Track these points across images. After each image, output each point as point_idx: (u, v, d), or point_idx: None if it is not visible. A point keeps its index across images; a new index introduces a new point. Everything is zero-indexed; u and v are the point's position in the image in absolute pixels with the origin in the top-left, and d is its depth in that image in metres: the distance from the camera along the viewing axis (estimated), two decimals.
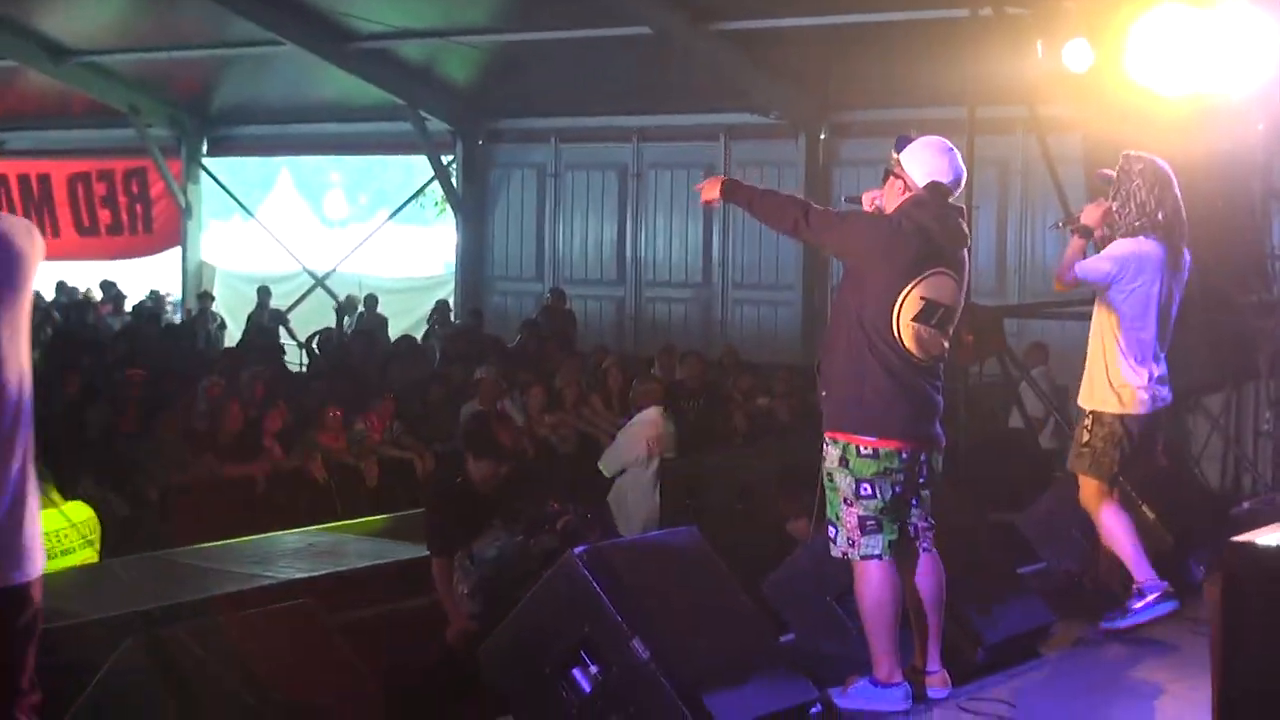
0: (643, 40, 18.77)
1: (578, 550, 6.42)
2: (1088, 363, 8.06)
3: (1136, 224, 7.84)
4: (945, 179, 6.73)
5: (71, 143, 26.75)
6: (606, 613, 6.21)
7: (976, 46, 12.55)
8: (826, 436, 6.76)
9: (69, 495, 9.55)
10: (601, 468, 12.56)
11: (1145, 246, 7.82)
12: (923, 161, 6.74)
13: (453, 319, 22.15)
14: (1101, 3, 10.81)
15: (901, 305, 6.63)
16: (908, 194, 6.73)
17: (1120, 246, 7.90)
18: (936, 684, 6.98)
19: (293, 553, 8.86)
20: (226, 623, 5.42)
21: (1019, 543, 9.47)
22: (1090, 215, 8.08)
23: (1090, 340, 8.06)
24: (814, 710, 6.61)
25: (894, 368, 6.64)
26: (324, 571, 8.28)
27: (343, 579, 8.22)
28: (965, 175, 6.90)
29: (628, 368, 16.27)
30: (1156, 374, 7.95)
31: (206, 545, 9.06)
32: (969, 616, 7.37)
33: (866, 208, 6.91)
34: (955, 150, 6.85)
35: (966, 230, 6.85)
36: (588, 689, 6.26)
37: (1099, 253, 8.01)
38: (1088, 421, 8.05)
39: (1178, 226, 7.92)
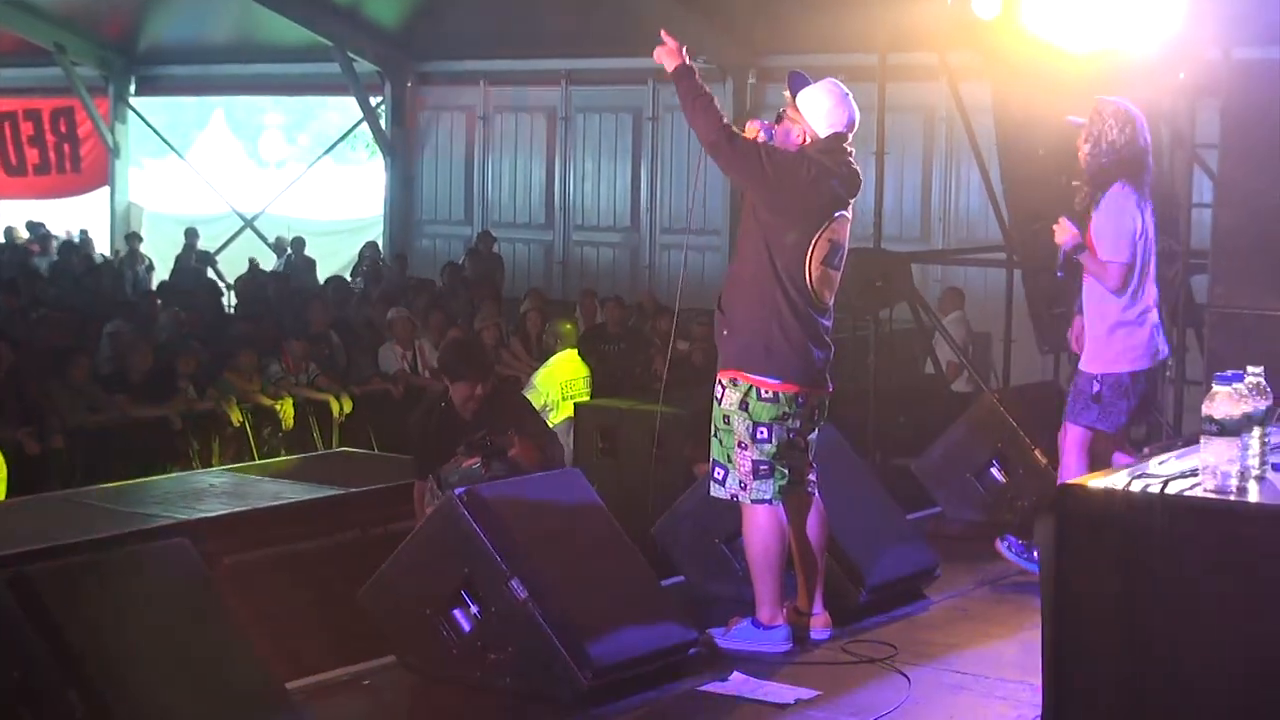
0: None
1: (458, 491, 6.49)
2: (1088, 324, 7.99)
3: (1104, 162, 7.77)
4: (844, 128, 6.79)
5: None
6: (486, 553, 6.30)
7: None
8: (726, 377, 6.79)
9: None
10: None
11: (1125, 202, 7.71)
12: (825, 112, 6.76)
13: (381, 262, 22.11)
14: None
15: (814, 248, 6.72)
16: (806, 140, 6.76)
17: (1111, 215, 7.73)
18: (819, 625, 7.10)
19: (192, 493, 8.86)
20: (96, 561, 5.45)
21: (913, 488, 9.60)
22: (1064, 235, 7.95)
23: (1087, 301, 7.90)
24: (692, 651, 6.70)
25: (800, 311, 6.71)
26: (219, 512, 8.29)
27: (238, 519, 8.23)
28: (858, 120, 6.89)
29: (548, 311, 16.29)
30: (1154, 324, 7.87)
31: (109, 485, 9.07)
32: (852, 559, 7.46)
33: (749, 137, 6.86)
34: (849, 95, 6.86)
35: (860, 178, 6.91)
36: (468, 629, 6.36)
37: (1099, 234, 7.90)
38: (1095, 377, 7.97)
39: (1145, 167, 7.82)
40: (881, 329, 12.42)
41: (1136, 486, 4.42)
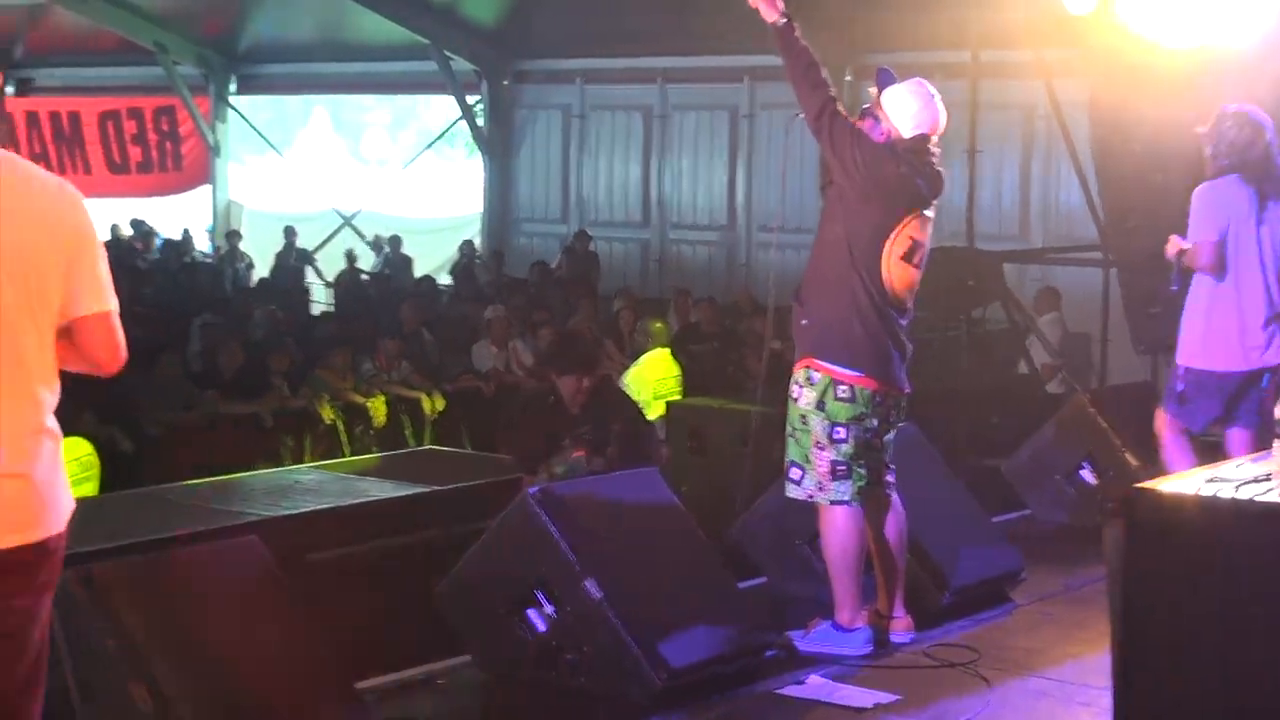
0: None
1: (532, 490, 6.46)
2: (1184, 316, 7.89)
3: (1225, 164, 7.68)
4: (928, 129, 6.74)
5: (101, 80, 26.87)
6: (560, 553, 6.25)
7: None
8: (801, 368, 6.72)
9: (69, 430, 9.64)
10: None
11: (1226, 189, 7.65)
12: (912, 112, 6.71)
13: (478, 260, 22.17)
14: None
15: (892, 243, 6.65)
16: (891, 139, 6.69)
17: (1206, 197, 7.71)
18: (900, 628, 7.01)
19: (278, 490, 8.84)
20: (165, 559, 5.47)
21: (1005, 489, 9.49)
22: (1172, 249, 7.87)
23: (1189, 295, 7.84)
24: (769, 653, 6.64)
25: (877, 305, 6.64)
26: (302, 509, 8.27)
27: (320, 516, 8.21)
28: (944, 122, 6.83)
29: (640, 310, 16.26)
30: (1257, 326, 7.75)
31: (195, 482, 9.08)
32: (934, 561, 7.37)
33: None
34: (936, 96, 6.81)
35: (943, 180, 6.86)
36: (543, 628, 6.33)
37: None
38: (1180, 371, 7.93)
39: (1269, 171, 7.74)
40: (974, 329, 12.30)
41: (1208, 491, 4.33)
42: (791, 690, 6.41)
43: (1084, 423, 9.44)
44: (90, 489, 9.63)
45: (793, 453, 6.81)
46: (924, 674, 6.66)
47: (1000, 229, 18.24)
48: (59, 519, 3.92)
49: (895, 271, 6.66)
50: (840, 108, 6.67)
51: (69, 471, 9.09)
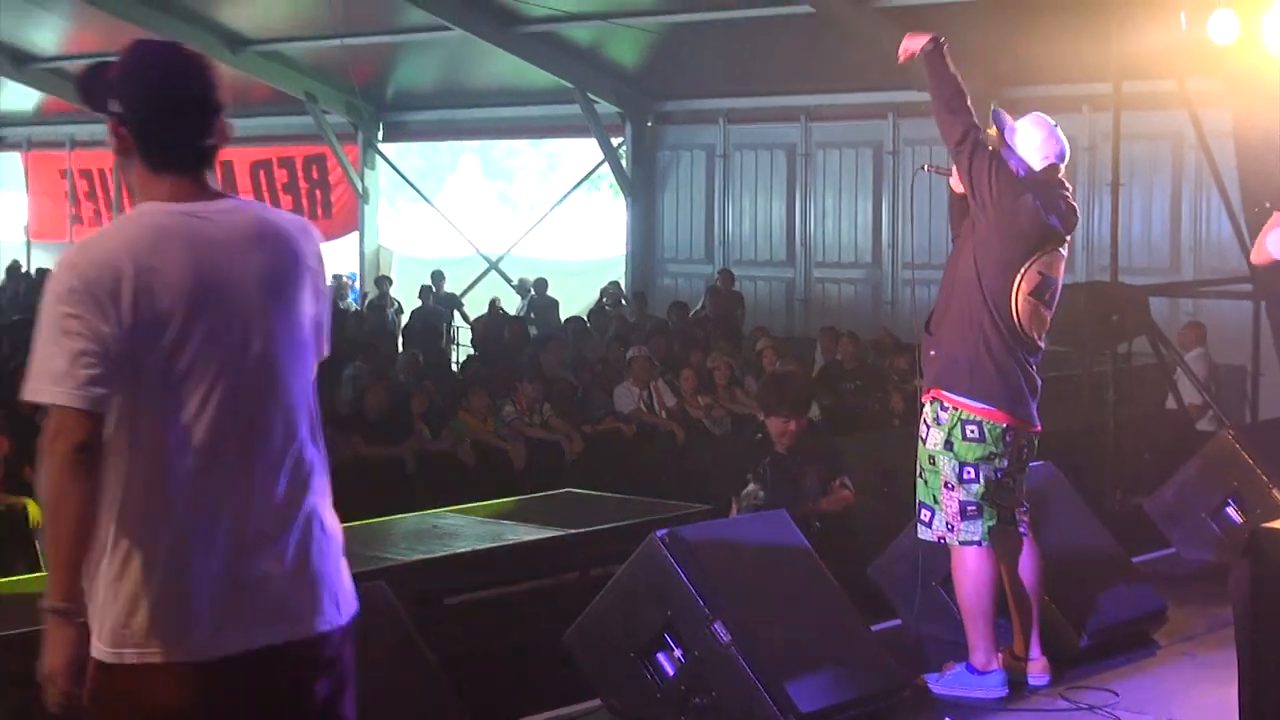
0: (806, 20, 18.66)
1: (660, 533, 6.46)
2: None
3: None
4: (1056, 159, 6.70)
5: (252, 130, 27.24)
6: (688, 596, 6.26)
7: (1122, 20, 12.32)
8: (930, 398, 6.67)
9: None
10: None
11: None
12: (1037, 145, 6.67)
13: (623, 301, 22.25)
14: None
15: (1022, 278, 6.59)
16: (1023, 173, 6.64)
17: None
18: (1037, 670, 6.92)
19: (416, 534, 8.97)
20: None
21: (1146, 527, 9.35)
22: None
23: None
24: (903, 696, 6.58)
25: (1007, 340, 6.59)
26: (440, 553, 8.37)
27: (457, 560, 8.30)
28: (1068, 152, 6.79)
29: (781, 349, 16.24)
30: None
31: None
32: (1072, 602, 7.28)
33: (957, 180, 6.83)
34: (1057, 126, 6.77)
35: (1077, 214, 6.83)
36: (672, 672, 6.32)
37: None
38: None
39: None
40: (1120, 364, 12.13)
41: None
42: None
43: (1230, 459, 9.27)
44: None
45: (922, 493, 6.77)
46: (1060, 717, 6.58)
47: (1150, 262, 18.02)
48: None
49: (1024, 308, 6.60)
50: (983, 136, 6.65)
51: None
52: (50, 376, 3.45)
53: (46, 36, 25.90)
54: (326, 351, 3.92)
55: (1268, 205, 8.59)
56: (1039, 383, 6.77)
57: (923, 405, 6.75)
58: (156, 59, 3.74)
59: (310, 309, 3.78)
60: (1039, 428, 6.79)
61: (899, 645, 7.22)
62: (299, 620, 3.66)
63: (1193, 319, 15.67)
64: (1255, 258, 7.92)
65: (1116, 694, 6.77)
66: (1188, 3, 11.07)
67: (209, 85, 3.72)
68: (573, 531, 9.16)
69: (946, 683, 6.79)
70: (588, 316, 21.24)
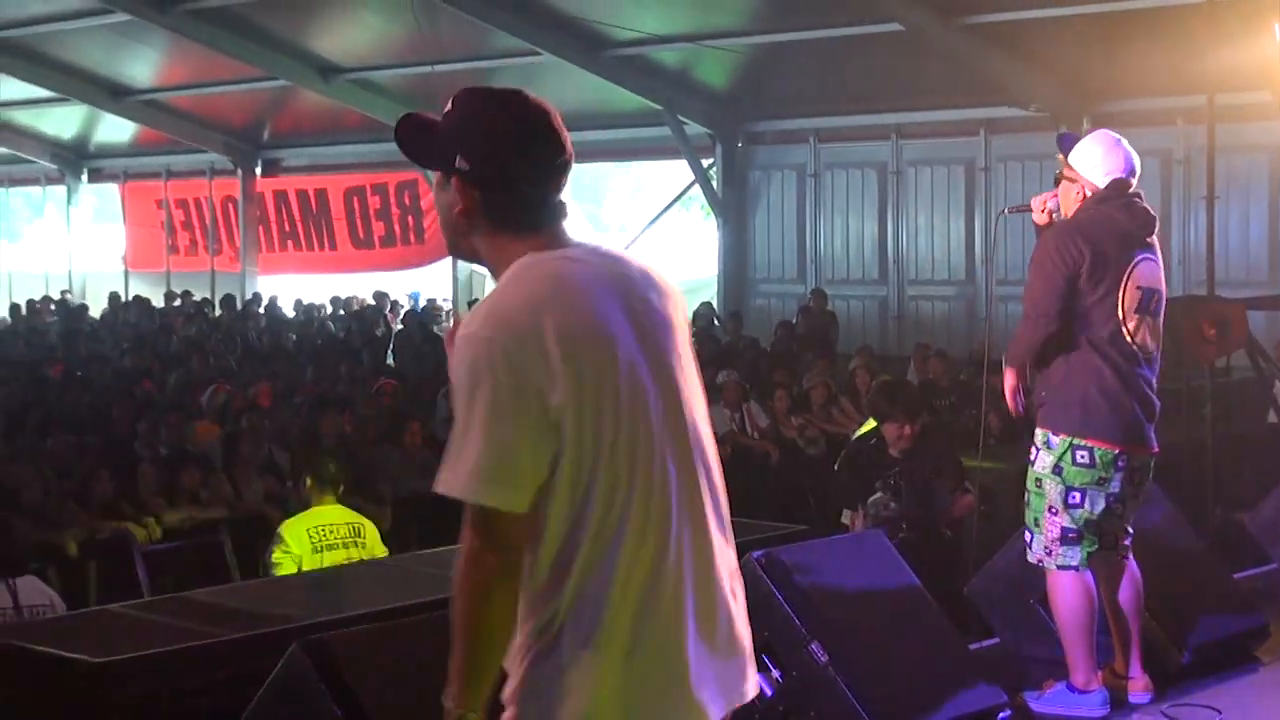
0: (895, 37, 18.67)
1: (756, 554, 6.48)
2: None
3: None
4: (1123, 173, 6.60)
5: (344, 157, 27.56)
6: (785, 617, 6.27)
7: (1216, 32, 12.26)
8: (1042, 431, 6.60)
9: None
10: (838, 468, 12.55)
11: None
12: (1099, 161, 6.61)
13: (715, 321, 22.28)
14: None
15: (1124, 297, 6.53)
16: (1086, 195, 6.60)
17: None
18: (1138, 689, 6.86)
19: None
20: (390, 628, 5.59)
21: (1247, 543, 9.27)
22: None
23: None
24: (1002, 716, 6.57)
25: (1120, 367, 6.51)
26: None
27: None
28: (1139, 164, 6.69)
29: (875, 369, 16.20)
30: None
31: (428, 551, 9.24)
32: (1173, 619, 7.23)
33: (1037, 212, 6.82)
34: (1122, 140, 6.70)
35: (1154, 214, 6.70)
36: (769, 693, 6.31)
37: None
38: None
39: None
40: (1218, 379, 12.03)
41: None
42: None
43: None
44: (346, 555, 9.71)
45: (1026, 516, 6.73)
46: None
47: (1248, 275, 17.87)
48: None
49: (1131, 324, 6.55)
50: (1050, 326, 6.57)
51: (334, 535, 9.27)
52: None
53: (141, 69, 26.26)
54: None
55: None
56: (1157, 405, 6.68)
57: (1034, 443, 6.67)
58: (508, 113, 3.44)
59: None
60: (1156, 450, 6.73)
61: (997, 664, 7.20)
62: None
63: None
64: None
65: (1219, 711, 6.72)
66: None
67: (564, 139, 3.48)
68: None
69: (1047, 701, 6.74)
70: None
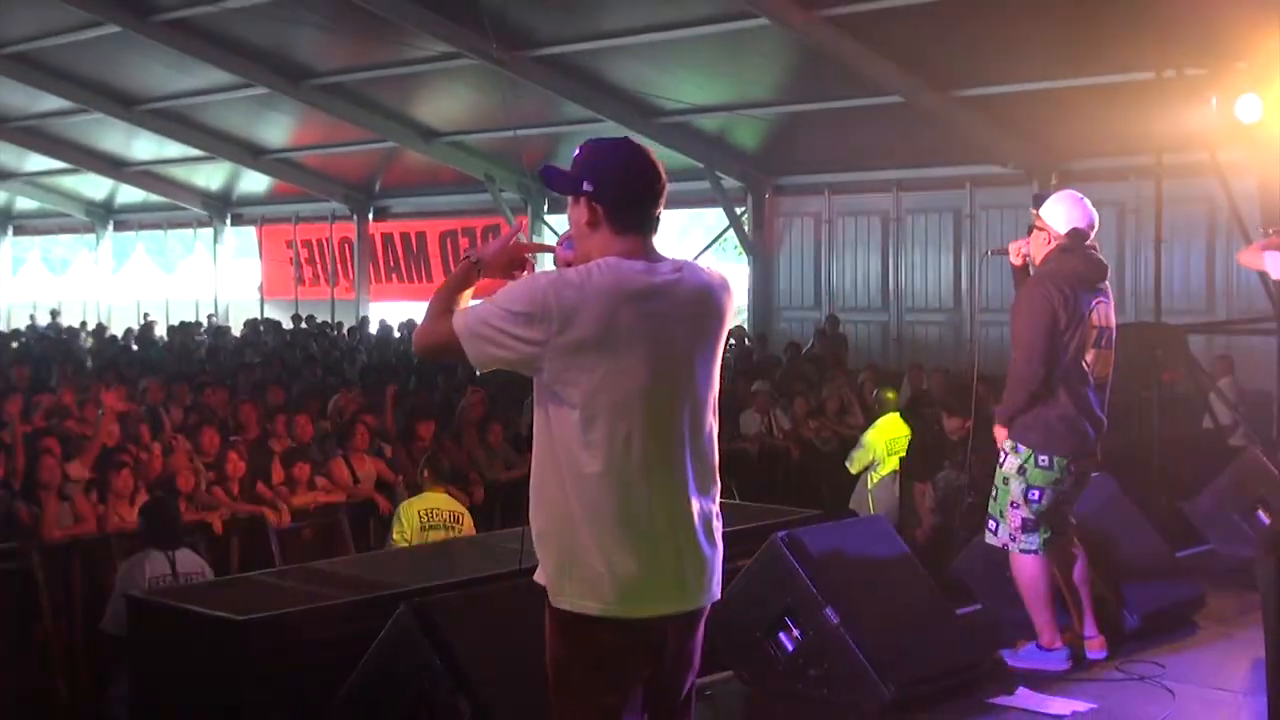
0: (896, 107, 18.66)
1: (780, 535, 6.50)
2: None
3: None
4: (1082, 224, 6.64)
5: (440, 206, 27.64)
6: (804, 586, 6.31)
7: (1163, 103, 12.23)
8: (1010, 440, 6.63)
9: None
10: (848, 465, 12.53)
11: None
12: (1062, 213, 6.65)
13: (747, 341, 22.29)
14: (1269, 62, 10.50)
15: (1084, 334, 6.53)
16: (1052, 243, 6.63)
17: None
18: (1095, 647, 6.89)
19: None
20: (483, 594, 5.63)
21: (1188, 527, 9.24)
22: None
23: None
24: (981, 669, 6.57)
25: (1076, 391, 6.53)
26: None
27: None
28: (1097, 219, 6.72)
29: (880, 381, 16.17)
30: None
31: (512, 530, 9.27)
32: (1125, 590, 7.22)
33: (1013, 255, 6.85)
34: (1085, 199, 6.74)
35: (1106, 263, 6.73)
36: (791, 649, 6.37)
37: None
38: None
39: None
40: (1164, 391, 11.96)
41: None
42: (1002, 700, 6.34)
43: (1258, 470, 9.18)
44: (442, 535, 9.72)
45: (991, 508, 6.77)
46: (1116, 685, 6.54)
47: (1189, 305, 17.76)
48: None
49: (1089, 357, 6.57)
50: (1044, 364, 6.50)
51: (437, 519, 9.27)
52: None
53: (275, 133, 26.44)
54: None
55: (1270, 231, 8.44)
56: (1105, 422, 6.70)
57: (1002, 446, 6.69)
58: (621, 152, 3.95)
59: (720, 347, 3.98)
60: (1099, 457, 6.79)
61: (979, 627, 7.20)
62: None
63: (1224, 353, 15.46)
64: (1243, 258, 7.93)
65: (1163, 666, 6.73)
66: (1218, 88, 10.96)
67: (658, 171, 3.94)
68: None
69: (1020, 657, 6.77)
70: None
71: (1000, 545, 6.72)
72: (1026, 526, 6.61)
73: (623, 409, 3.71)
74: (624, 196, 3.88)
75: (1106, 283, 6.71)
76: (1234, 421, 13.21)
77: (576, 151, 4.00)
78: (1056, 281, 6.52)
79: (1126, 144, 15.29)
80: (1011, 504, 6.63)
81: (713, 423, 3.92)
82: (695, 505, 3.83)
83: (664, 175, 3.96)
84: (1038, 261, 6.70)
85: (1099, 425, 6.67)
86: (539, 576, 3.88)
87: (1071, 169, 18.76)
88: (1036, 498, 6.59)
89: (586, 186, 3.88)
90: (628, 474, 3.72)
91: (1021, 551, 6.64)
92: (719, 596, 4.06)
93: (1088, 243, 6.66)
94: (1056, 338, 6.49)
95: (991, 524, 6.74)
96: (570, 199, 3.96)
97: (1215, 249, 18.27)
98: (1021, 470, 6.59)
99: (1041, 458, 6.55)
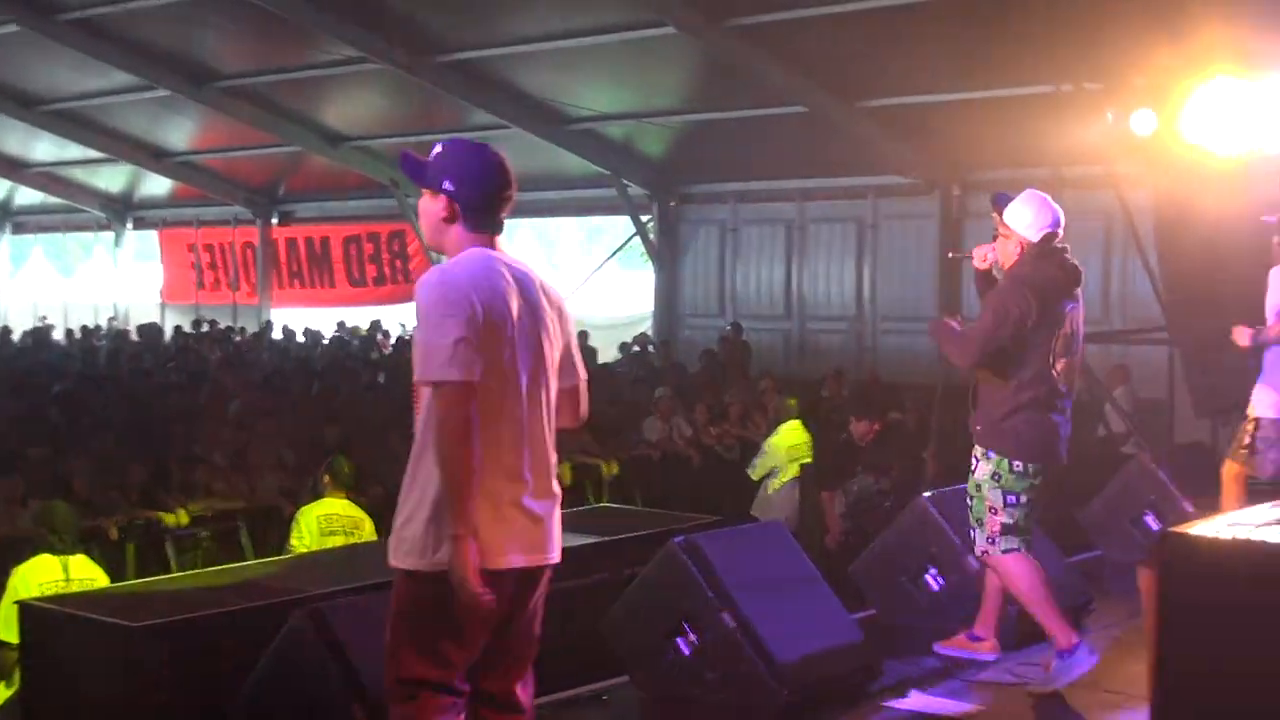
0: (800, 117, 18.77)
1: (678, 540, 6.54)
2: (1263, 377, 7.91)
3: None
4: (1051, 228, 6.52)
5: (346, 211, 27.46)
6: (701, 592, 6.34)
7: (1060, 117, 12.42)
8: (982, 449, 6.58)
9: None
10: (749, 472, 12.61)
11: None
12: (1032, 219, 6.50)
13: (650, 348, 22.34)
14: (1164, 77, 10.68)
15: (1055, 343, 6.49)
16: (1023, 250, 6.49)
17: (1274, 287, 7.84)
18: (986, 650, 6.97)
19: None
20: (371, 599, 5.59)
21: (1079, 534, 9.38)
22: (1242, 339, 8.06)
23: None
24: (875, 672, 6.63)
25: (1043, 399, 6.49)
26: None
27: None
28: (1063, 216, 6.60)
29: (781, 389, 16.26)
30: None
31: None
32: None
33: (978, 260, 6.73)
34: (1049, 198, 6.61)
35: (1081, 269, 6.64)
36: (688, 653, 6.39)
37: None
38: (1250, 426, 7.90)
39: None
40: None
41: (1227, 533, 4.27)
42: (894, 703, 6.42)
43: (1148, 477, 9.34)
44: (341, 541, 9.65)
45: (970, 515, 6.72)
46: (1005, 688, 6.62)
47: (1086, 315, 17.95)
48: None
49: (1060, 366, 6.53)
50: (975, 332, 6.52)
51: (338, 524, 9.10)
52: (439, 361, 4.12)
53: (178, 135, 26.15)
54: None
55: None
56: (1069, 427, 6.70)
57: (974, 455, 6.64)
58: (477, 156, 4.43)
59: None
60: (1065, 460, 6.75)
61: (873, 631, 7.27)
62: None
63: (1119, 362, 15.70)
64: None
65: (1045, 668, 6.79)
66: (1113, 102, 11.13)
67: (511, 178, 4.43)
68: (606, 538, 9.18)
69: (1056, 677, 6.47)
70: (622, 362, 21.31)
71: (981, 552, 6.68)
72: (1006, 529, 6.56)
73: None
74: (481, 198, 4.33)
75: (1080, 289, 6.62)
76: (1127, 430, 13.43)
77: (438, 148, 4.37)
78: (1034, 286, 6.41)
79: (1026, 156, 15.48)
80: (990, 509, 6.57)
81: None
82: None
83: (515, 182, 4.41)
84: (1006, 267, 6.56)
85: (1067, 430, 6.66)
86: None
87: (972, 180, 19.01)
88: (1014, 502, 6.55)
89: (447, 185, 4.31)
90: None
91: (1004, 552, 6.56)
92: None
93: (1059, 244, 6.54)
94: (1020, 338, 6.39)
95: (972, 531, 6.70)
96: (427, 191, 4.34)
97: (1111, 260, 18.55)
98: (995, 476, 6.54)
99: (1015, 464, 6.51)
